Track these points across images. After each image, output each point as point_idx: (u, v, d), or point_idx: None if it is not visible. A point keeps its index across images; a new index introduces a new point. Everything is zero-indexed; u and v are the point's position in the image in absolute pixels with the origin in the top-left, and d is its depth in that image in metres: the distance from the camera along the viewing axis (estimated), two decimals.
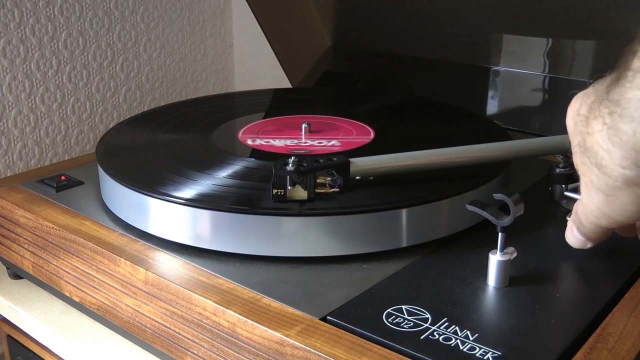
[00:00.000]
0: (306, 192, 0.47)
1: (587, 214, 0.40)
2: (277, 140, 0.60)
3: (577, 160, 0.38)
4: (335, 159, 0.49)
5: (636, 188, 0.35)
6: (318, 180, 0.47)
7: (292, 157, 0.47)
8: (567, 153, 0.55)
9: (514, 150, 0.54)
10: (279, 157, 0.49)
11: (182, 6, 0.92)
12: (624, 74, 0.33)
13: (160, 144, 0.61)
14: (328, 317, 0.40)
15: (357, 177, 0.49)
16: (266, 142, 0.60)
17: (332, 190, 0.48)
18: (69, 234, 0.51)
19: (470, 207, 0.42)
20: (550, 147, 0.55)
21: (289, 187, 0.46)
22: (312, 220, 0.46)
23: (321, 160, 0.48)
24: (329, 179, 0.48)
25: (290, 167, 0.47)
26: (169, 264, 0.47)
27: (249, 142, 0.60)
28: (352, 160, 0.49)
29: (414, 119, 0.70)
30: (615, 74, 0.35)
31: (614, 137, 0.34)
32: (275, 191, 0.46)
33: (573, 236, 0.44)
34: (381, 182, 0.51)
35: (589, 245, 0.43)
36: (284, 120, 0.67)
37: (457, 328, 0.38)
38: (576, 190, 0.53)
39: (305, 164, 0.47)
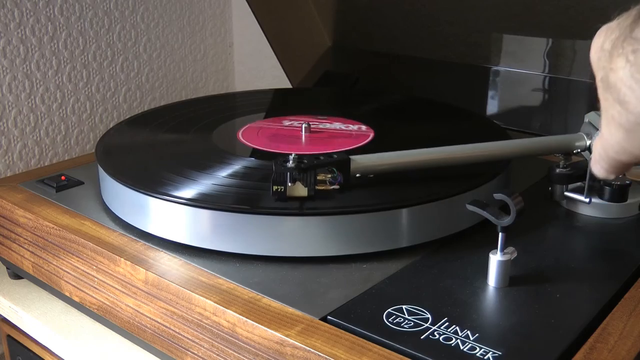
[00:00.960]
0: (306, 189, 0.47)
1: (608, 149, 0.40)
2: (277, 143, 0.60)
3: (600, 95, 0.38)
4: (335, 156, 0.49)
5: None
6: (318, 177, 0.47)
7: (293, 154, 0.47)
8: (568, 152, 0.55)
9: (514, 149, 0.54)
10: (279, 156, 0.49)
11: (182, 6, 0.92)
12: None
13: (160, 144, 0.61)
14: (328, 317, 0.40)
15: (358, 175, 0.49)
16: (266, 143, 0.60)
17: (332, 187, 0.48)
18: (69, 234, 0.51)
19: (470, 207, 0.42)
20: (549, 146, 0.55)
21: (289, 184, 0.46)
22: (312, 220, 0.46)
23: (322, 158, 0.48)
24: (329, 176, 0.48)
25: (290, 164, 0.46)
26: (169, 264, 0.47)
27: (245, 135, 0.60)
28: (352, 157, 0.49)
29: (414, 119, 0.70)
30: (638, 10, 0.35)
31: (637, 75, 0.33)
32: (275, 188, 0.46)
33: (596, 169, 0.43)
34: (381, 182, 0.51)
35: (612, 176, 0.43)
36: (284, 121, 0.67)
37: (457, 328, 0.38)
38: (576, 190, 0.53)
39: (306, 161, 0.47)
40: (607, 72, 0.36)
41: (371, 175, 0.50)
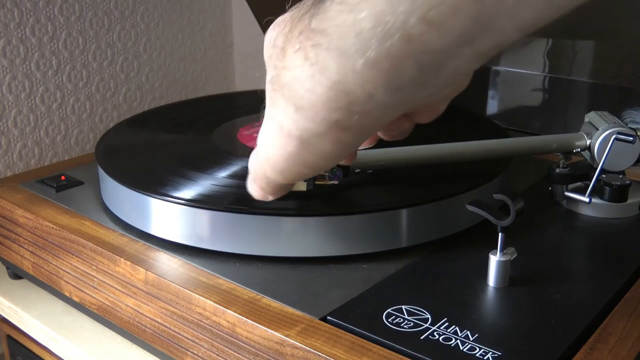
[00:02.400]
0: (305, 183, 0.47)
1: (267, 167, 0.34)
2: None
3: (267, 99, 0.32)
4: None
5: (341, 133, 0.30)
6: None
7: None
8: (567, 151, 0.55)
9: (514, 147, 0.54)
10: None
11: (182, 6, 0.92)
12: None
13: (160, 144, 0.61)
14: (328, 317, 0.40)
15: (357, 170, 0.49)
16: None
17: (331, 182, 0.48)
18: (69, 234, 0.51)
19: (470, 207, 0.42)
20: (549, 145, 0.55)
21: None
22: (312, 220, 0.46)
23: None
24: (329, 170, 0.48)
25: None
26: (169, 264, 0.47)
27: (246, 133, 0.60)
28: None
29: None
30: None
31: (319, 76, 0.28)
32: None
33: (253, 189, 0.38)
34: (381, 182, 0.51)
35: (270, 198, 0.38)
36: None
37: (457, 328, 0.38)
38: (576, 190, 0.53)
39: None
40: (279, 71, 0.30)
41: (370, 171, 0.50)
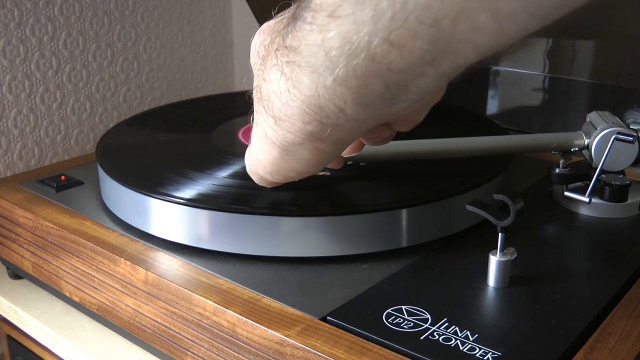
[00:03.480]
0: None
1: (258, 168, 0.36)
2: None
3: (254, 105, 0.34)
4: None
5: (318, 143, 0.32)
6: None
7: None
8: (566, 149, 0.55)
9: (512, 145, 0.54)
10: None
11: (182, 6, 0.92)
12: (302, 15, 0.28)
13: (160, 144, 0.61)
14: (328, 317, 0.40)
15: (349, 162, 0.49)
16: None
17: (322, 173, 0.48)
18: (69, 234, 0.51)
19: (470, 207, 0.42)
20: (548, 143, 0.55)
21: None
22: (312, 220, 0.46)
23: None
24: None
25: None
26: (169, 264, 0.47)
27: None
28: None
29: None
30: (292, 12, 0.30)
31: (293, 90, 0.30)
32: None
33: (255, 179, 0.40)
34: (381, 182, 0.51)
35: (272, 186, 0.40)
36: None
37: (457, 328, 0.38)
38: (576, 190, 0.53)
39: None
40: (260, 82, 0.32)
41: (362, 164, 0.50)
